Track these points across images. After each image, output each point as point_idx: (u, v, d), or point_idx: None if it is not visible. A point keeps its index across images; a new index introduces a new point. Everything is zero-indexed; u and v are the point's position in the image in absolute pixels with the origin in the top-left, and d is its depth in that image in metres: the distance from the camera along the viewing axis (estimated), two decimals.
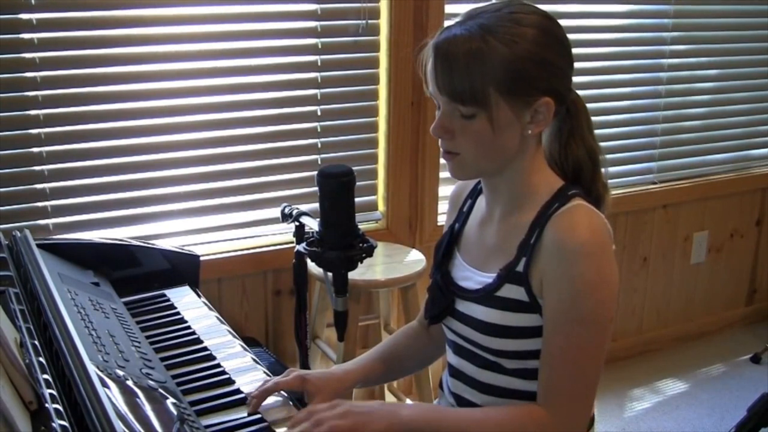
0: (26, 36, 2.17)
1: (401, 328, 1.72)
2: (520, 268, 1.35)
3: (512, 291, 1.36)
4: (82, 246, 1.96)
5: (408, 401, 2.76)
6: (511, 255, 1.37)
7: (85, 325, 1.46)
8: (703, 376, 3.39)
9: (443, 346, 1.60)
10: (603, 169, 1.44)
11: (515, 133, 1.33)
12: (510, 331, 1.36)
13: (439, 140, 1.37)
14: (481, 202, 1.51)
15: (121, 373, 1.32)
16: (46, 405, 1.15)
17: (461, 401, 1.50)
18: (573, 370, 1.31)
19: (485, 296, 1.39)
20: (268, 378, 1.54)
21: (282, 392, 1.50)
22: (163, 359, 1.60)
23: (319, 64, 2.57)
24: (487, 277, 1.41)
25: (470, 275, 1.45)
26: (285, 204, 2.27)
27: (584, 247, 1.28)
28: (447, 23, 2.63)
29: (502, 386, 1.42)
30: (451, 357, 1.54)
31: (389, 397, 2.86)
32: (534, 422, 1.33)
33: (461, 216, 1.54)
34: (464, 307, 1.44)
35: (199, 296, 1.96)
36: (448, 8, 2.69)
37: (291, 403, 1.48)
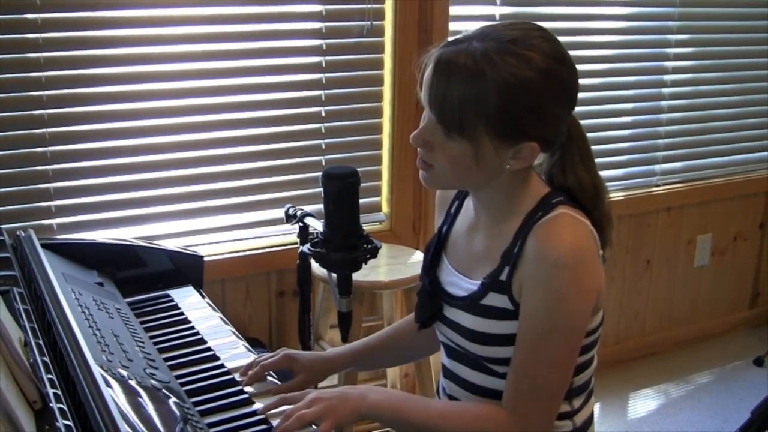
0: (31, 36, 2.17)
1: (404, 318, 1.72)
2: (503, 276, 1.34)
3: (496, 299, 1.35)
4: (86, 246, 1.96)
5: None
6: (495, 263, 1.36)
7: (89, 325, 1.46)
8: (706, 378, 3.38)
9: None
10: (605, 200, 1.39)
11: (494, 165, 1.31)
12: (496, 339, 1.36)
13: (417, 148, 1.35)
14: (468, 204, 1.49)
15: (124, 373, 1.33)
16: (50, 404, 1.15)
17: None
18: (538, 377, 1.31)
19: (471, 304, 1.39)
20: (255, 357, 1.60)
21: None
22: (166, 359, 1.60)
23: (323, 65, 2.57)
24: (472, 285, 1.40)
25: (457, 281, 1.45)
26: (289, 205, 2.27)
27: (562, 259, 1.26)
28: (452, 25, 2.66)
29: (494, 388, 1.41)
30: (444, 359, 1.54)
31: None
32: (495, 423, 1.33)
33: (448, 218, 1.53)
34: (451, 313, 1.44)
35: (203, 297, 1.96)
36: (453, 10, 2.69)
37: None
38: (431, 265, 1.51)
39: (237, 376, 1.56)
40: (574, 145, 1.37)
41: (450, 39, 1.32)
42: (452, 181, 1.37)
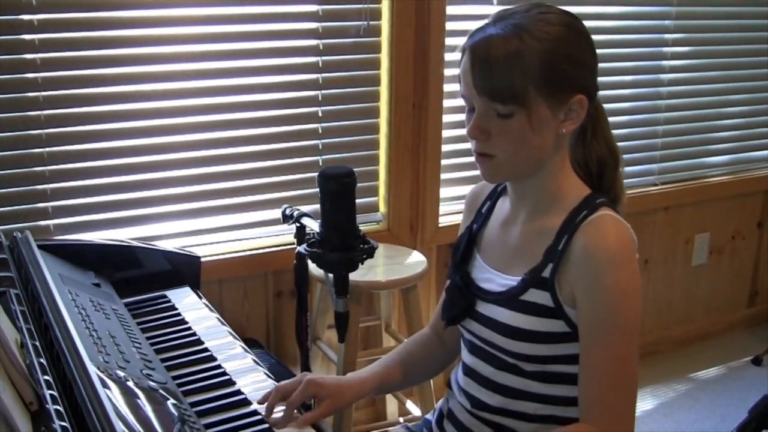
0: (27, 37, 2.17)
1: (413, 336, 1.71)
2: (546, 273, 1.35)
3: (537, 296, 1.36)
4: (83, 247, 1.96)
5: (410, 404, 2.76)
6: (536, 259, 1.37)
7: (86, 326, 1.46)
8: (704, 378, 3.39)
9: (455, 352, 1.59)
10: (621, 169, 1.46)
11: (551, 132, 1.35)
12: (533, 336, 1.36)
13: (473, 142, 1.37)
14: (502, 203, 1.51)
15: (121, 374, 1.32)
16: (47, 406, 1.15)
17: (474, 401, 1.49)
18: (616, 381, 1.31)
19: (509, 299, 1.39)
20: (282, 392, 1.46)
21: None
22: (163, 360, 1.60)
23: (320, 65, 2.57)
24: (510, 280, 1.41)
25: (492, 277, 1.45)
26: (286, 205, 2.27)
27: (615, 258, 1.30)
28: (449, 24, 2.66)
29: (518, 388, 1.42)
30: (465, 356, 1.53)
31: (390, 399, 2.85)
32: None
33: (480, 217, 1.54)
34: (486, 309, 1.44)
35: (200, 297, 1.96)
36: (450, 9, 2.69)
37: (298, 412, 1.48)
38: (462, 262, 1.52)
39: (234, 377, 1.56)
40: (601, 113, 1.44)
41: (472, 31, 1.36)
42: (515, 164, 1.38)
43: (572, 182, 1.42)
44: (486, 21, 1.36)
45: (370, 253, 1.65)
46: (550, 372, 1.39)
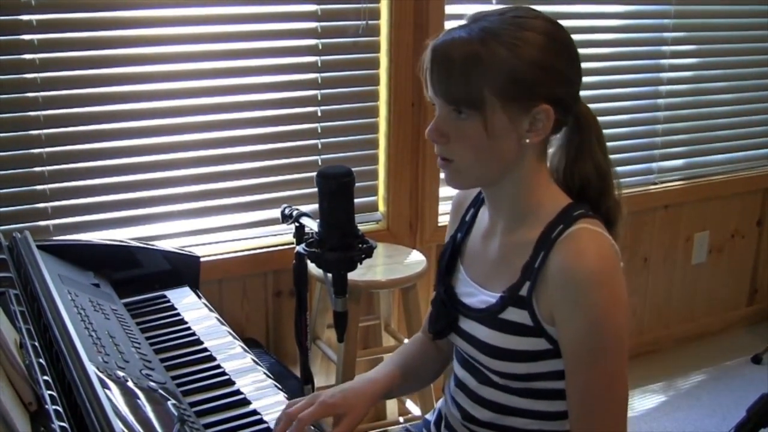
0: (26, 37, 2.17)
1: (410, 340, 1.68)
2: (523, 292, 1.32)
3: (516, 314, 1.33)
4: (83, 247, 1.96)
5: (410, 403, 2.76)
6: (514, 276, 1.34)
7: (85, 326, 1.46)
8: (704, 376, 3.39)
9: (450, 356, 1.58)
10: (616, 187, 1.39)
11: (512, 140, 1.29)
12: (514, 355, 1.34)
13: (435, 146, 1.34)
14: (483, 212, 1.47)
15: (121, 374, 1.33)
16: (46, 406, 1.15)
17: (463, 413, 1.48)
18: (604, 399, 1.30)
19: (489, 317, 1.37)
20: (285, 407, 1.40)
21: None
22: (163, 360, 1.60)
23: (319, 65, 2.57)
24: (490, 297, 1.38)
25: (473, 291, 1.42)
26: (285, 205, 2.27)
27: (594, 276, 1.25)
28: (447, 24, 2.66)
29: (505, 404, 1.40)
30: (456, 367, 1.52)
31: (390, 401, 2.85)
32: None
33: (464, 226, 1.51)
34: (468, 325, 1.42)
35: (199, 297, 1.96)
36: (449, 9, 2.69)
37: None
38: (446, 273, 1.49)
39: (233, 377, 1.56)
40: (591, 129, 1.37)
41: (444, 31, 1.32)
42: (473, 170, 1.33)
43: (550, 192, 1.36)
44: (461, 22, 1.31)
45: (369, 252, 1.65)
46: (537, 389, 1.37)
